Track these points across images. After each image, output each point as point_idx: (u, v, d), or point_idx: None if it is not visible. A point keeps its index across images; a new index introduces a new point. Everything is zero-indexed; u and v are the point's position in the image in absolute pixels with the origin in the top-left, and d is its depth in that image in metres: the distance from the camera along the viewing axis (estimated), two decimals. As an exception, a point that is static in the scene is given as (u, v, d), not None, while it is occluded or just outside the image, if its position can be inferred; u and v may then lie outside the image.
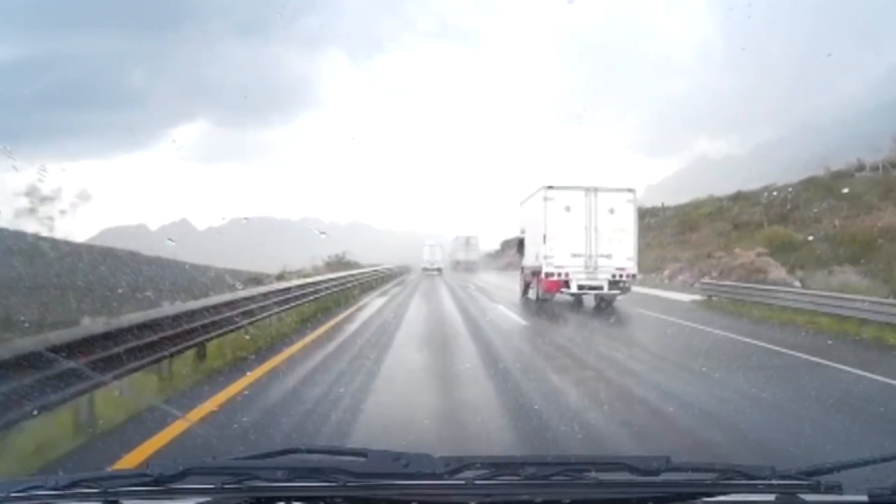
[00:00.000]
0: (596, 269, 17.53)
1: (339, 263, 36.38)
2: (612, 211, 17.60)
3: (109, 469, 3.97)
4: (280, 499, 1.45)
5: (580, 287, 17.71)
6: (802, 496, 1.46)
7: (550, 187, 17.89)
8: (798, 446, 5.03)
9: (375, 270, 33.95)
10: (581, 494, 1.48)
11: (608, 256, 17.50)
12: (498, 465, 1.53)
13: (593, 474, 1.51)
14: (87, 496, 1.45)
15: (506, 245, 63.60)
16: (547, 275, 17.71)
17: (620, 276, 17.52)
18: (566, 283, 17.70)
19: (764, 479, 1.50)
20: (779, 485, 1.49)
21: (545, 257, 17.68)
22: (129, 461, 4.36)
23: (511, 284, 25.93)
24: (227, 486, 1.47)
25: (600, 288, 17.65)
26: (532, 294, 20.19)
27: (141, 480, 1.48)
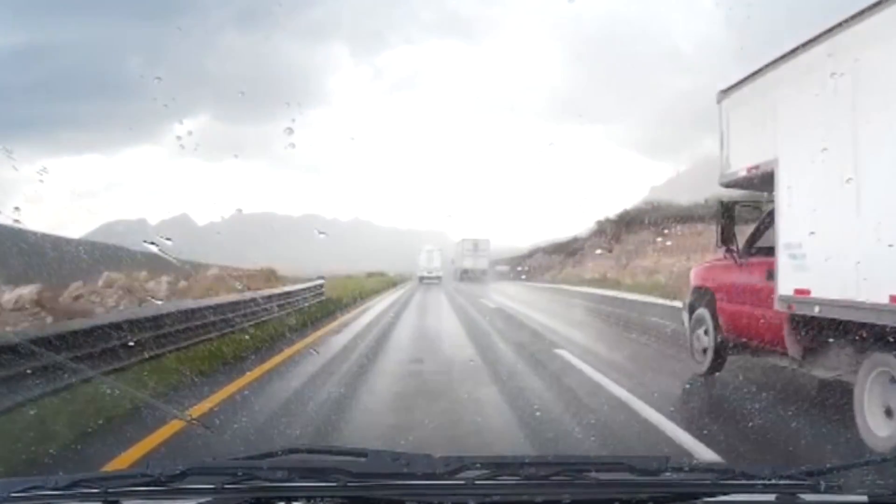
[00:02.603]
0: None
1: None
2: None
3: (109, 469, 3.97)
4: (280, 499, 1.45)
5: None
6: (802, 496, 1.46)
7: None
8: None
9: None
10: (581, 494, 1.48)
11: None
12: (498, 465, 1.52)
13: (593, 474, 1.51)
14: (88, 496, 1.45)
15: (624, 225, 37.12)
16: None
17: None
18: None
19: (764, 479, 1.49)
20: (778, 485, 1.49)
21: None
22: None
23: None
24: (227, 486, 1.47)
25: None
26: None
27: (141, 481, 1.48)
